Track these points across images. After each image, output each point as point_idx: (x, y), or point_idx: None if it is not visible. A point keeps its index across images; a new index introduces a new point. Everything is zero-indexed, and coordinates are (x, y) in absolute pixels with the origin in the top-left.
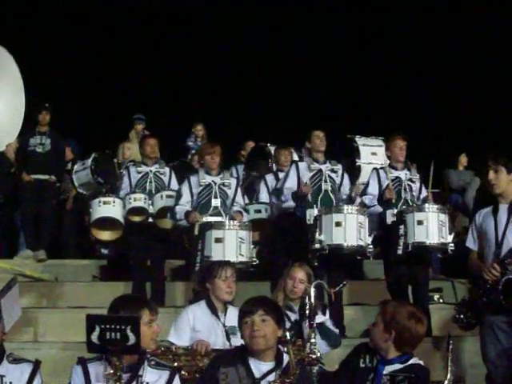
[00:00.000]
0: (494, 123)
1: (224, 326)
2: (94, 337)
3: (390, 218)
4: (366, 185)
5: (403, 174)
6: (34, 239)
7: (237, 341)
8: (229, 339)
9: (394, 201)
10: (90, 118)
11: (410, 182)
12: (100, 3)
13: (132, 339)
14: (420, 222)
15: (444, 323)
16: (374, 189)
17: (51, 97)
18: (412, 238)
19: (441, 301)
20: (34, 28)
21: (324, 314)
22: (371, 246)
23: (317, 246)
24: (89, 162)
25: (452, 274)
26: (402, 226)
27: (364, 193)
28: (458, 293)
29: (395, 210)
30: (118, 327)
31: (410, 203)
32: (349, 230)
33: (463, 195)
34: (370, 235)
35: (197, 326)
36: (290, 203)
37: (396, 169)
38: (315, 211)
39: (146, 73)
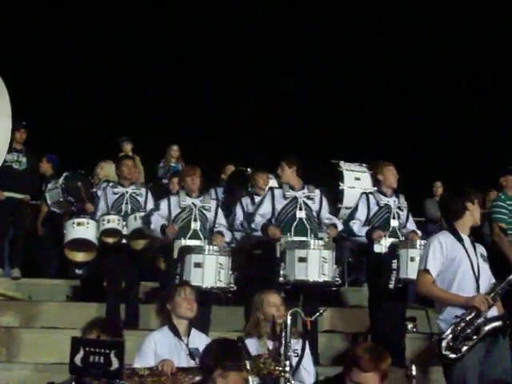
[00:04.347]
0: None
1: (187, 346)
2: (78, 359)
3: (377, 247)
4: (354, 209)
5: (392, 201)
6: (3, 257)
7: None
8: (193, 358)
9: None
10: (70, 136)
11: (398, 210)
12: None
13: (115, 364)
14: (412, 259)
15: (417, 353)
16: (362, 214)
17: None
18: (404, 273)
19: (414, 330)
20: (16, 46)
21: (304, 345)
22: (338, 279)
23: (281, 279)
24: (60, 181)
25: (426, 303)
26: (395, 261)
27: (351, 217)
28: (431, 322)
29: (383, 240)
30: (102, 351)
31: (398, 232)
32: (310, 265)
33: (440, 225)
34: (337, 267)
35: (159, 350)
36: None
37: (385, 195)
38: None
39: (123, 94)
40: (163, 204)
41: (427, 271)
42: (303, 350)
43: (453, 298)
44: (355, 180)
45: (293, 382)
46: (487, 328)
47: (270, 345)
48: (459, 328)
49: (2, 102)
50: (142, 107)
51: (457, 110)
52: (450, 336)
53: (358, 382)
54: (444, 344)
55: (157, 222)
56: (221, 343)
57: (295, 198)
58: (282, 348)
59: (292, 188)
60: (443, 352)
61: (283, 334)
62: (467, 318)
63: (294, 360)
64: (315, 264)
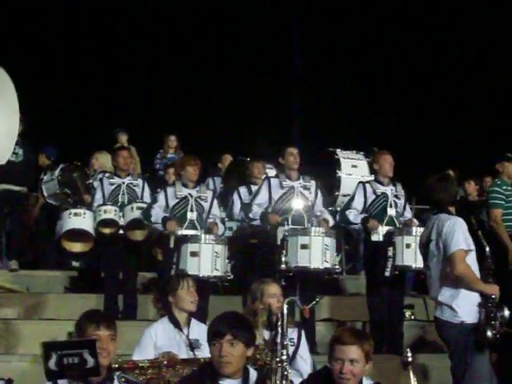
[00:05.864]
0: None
1: (187, 338)
2: (52, 364)
3: (375, 235)
4: (351, 198)
5: (389, 190)
6: (0, 250)
7: (201, 354)
8: (193, 350)
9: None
10: (66, 128)
11: (395, 199)
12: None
13: (91, 362)
14: (408, 246)
15: (415, 340)
16: (359, 203)
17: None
18: (400, 261)
19: (412, 318)
20: (11, 38)
21: (300, 334)
22: (338, 266)
23: (283, 266)
24: (56, 172)
25: (424, 291)
26: (390, 248)
27: (348, 207)
28: (429, 309)
29: (380, 229)
30: (75, 351)
31: (395, 220)
32: (314, 252)
33: None
34: (337, 255)
35: (159, 342)
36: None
37: (382, 184)
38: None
39: (119, 84)
40: (160, 196)
41: (464, 251)
42: (299, 338)
43: (481, 285)
44: (352, 167)
45: (290, 371)
46: (507, 313)
47: (266, 335)
48: (492, 314)
49: (9, 98)
50: (138, 98)
51: (451, 96)
52: (493, 322)
53: (342, 357)
54: (489, 331)
55: (157, 214)
56: (237, 315)
57: (292, 187)
58: (279, 337)
59: (289, 178)
60: (492, 336)
61: (279, 324)
62: (491, 306)
63: (291, 349)
64: (318, 251)
